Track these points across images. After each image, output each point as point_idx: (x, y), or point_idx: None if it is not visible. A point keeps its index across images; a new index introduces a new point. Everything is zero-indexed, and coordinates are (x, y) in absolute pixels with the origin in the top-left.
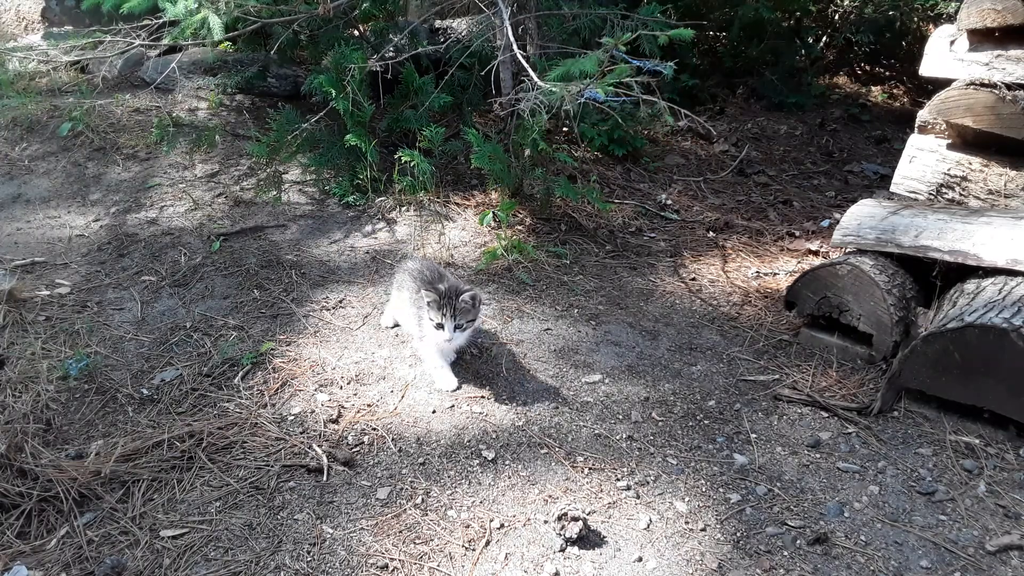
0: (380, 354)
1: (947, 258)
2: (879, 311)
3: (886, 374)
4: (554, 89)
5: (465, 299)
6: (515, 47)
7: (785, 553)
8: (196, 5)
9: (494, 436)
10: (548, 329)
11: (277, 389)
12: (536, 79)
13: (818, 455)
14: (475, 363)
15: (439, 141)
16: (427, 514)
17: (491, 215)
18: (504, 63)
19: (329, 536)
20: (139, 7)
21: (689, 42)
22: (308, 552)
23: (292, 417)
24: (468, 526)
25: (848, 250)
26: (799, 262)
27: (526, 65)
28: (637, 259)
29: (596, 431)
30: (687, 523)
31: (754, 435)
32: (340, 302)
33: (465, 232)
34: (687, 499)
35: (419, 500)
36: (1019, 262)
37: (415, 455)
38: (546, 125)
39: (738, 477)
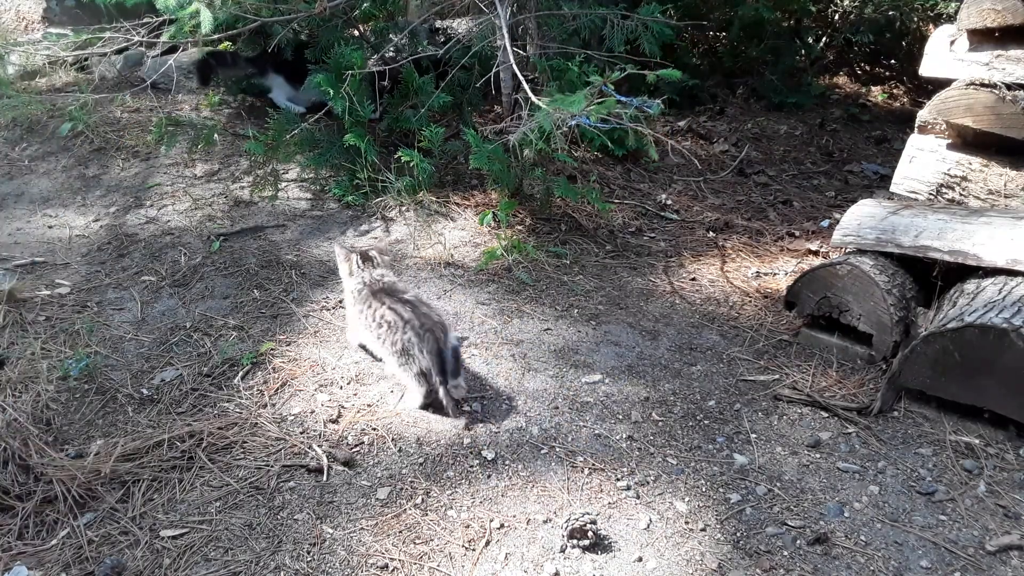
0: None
1: (947, 258)
2: (879, 311)
3: (886, 374)
4: (543, 117)
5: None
6: (511, 56)
7: (785, 553)
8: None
9: (494, 436)
10: (548, 329)
11: (277, 389)
12: (533, 97)
13: (818, 455)
14: (475, 363)
15: (439, 141)
16: (427, 514)
17: (491, 215)
18: (504, 64)
19: (329, 536)
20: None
21: (688, 42)
22: (308, 552)
23: (292, 417)
24: (468, 526)
25: (848, 250)
26: (799, 262)
27: (524, 84)
28: (637, 259)
29: (596, 431)
30: (687, 523)
31: (754, 435)
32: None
33: (465, 232)
34: (687, 499)
35: (419, 500)
36: (1019, 262)
37: (415, 455)
38: (543, 138)
39: (738, 477)
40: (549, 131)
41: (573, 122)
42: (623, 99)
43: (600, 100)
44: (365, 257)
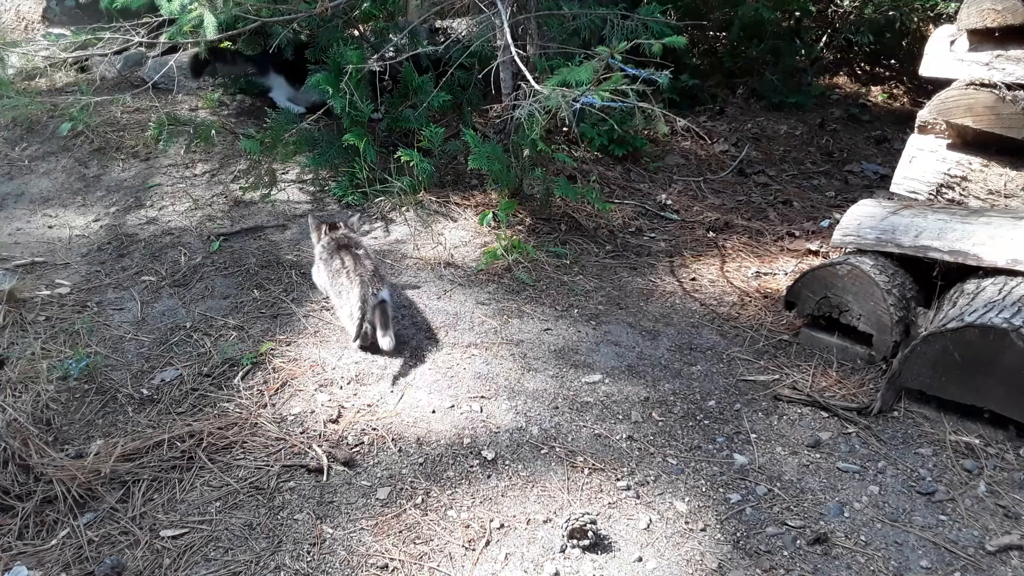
0: (380, 354)
1: (947, 258)
2: (879, 311)
3: (886, 374)
4: (550, 93)
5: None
6: (514, 50)
7: (785, 553)
8: (191, 2)
9: (494, 436)
10: (548, 329)
11: (277, 389)
12: (534, 84)
13: (818, 455)
14: (475, 363)
15: (439, 141)
16: (427, 514)
17: (491, 215)
18: (504, 63)
19: (329, 536)
20: (135, 2)
21: (688, 42)
22: (308, 552)
23: (292, 417)
24: (468, 526)
25: (848, 250)
26: (799, 262)
27: (524, 69)
28: (637, 259)
29: (596, 431)
30: (687, 523)
31: (754, 435)
32: None
33: (465, 232)
34: (687, 499)
35: (419, 500)
36: (1019, 262)
37: (415, 455)
38: (546, 125)
39: (738, 477)
40: (557, 107)
41: (578, 105)
42: (631, 71)
43: (607, 76)
44: (332, 226)
